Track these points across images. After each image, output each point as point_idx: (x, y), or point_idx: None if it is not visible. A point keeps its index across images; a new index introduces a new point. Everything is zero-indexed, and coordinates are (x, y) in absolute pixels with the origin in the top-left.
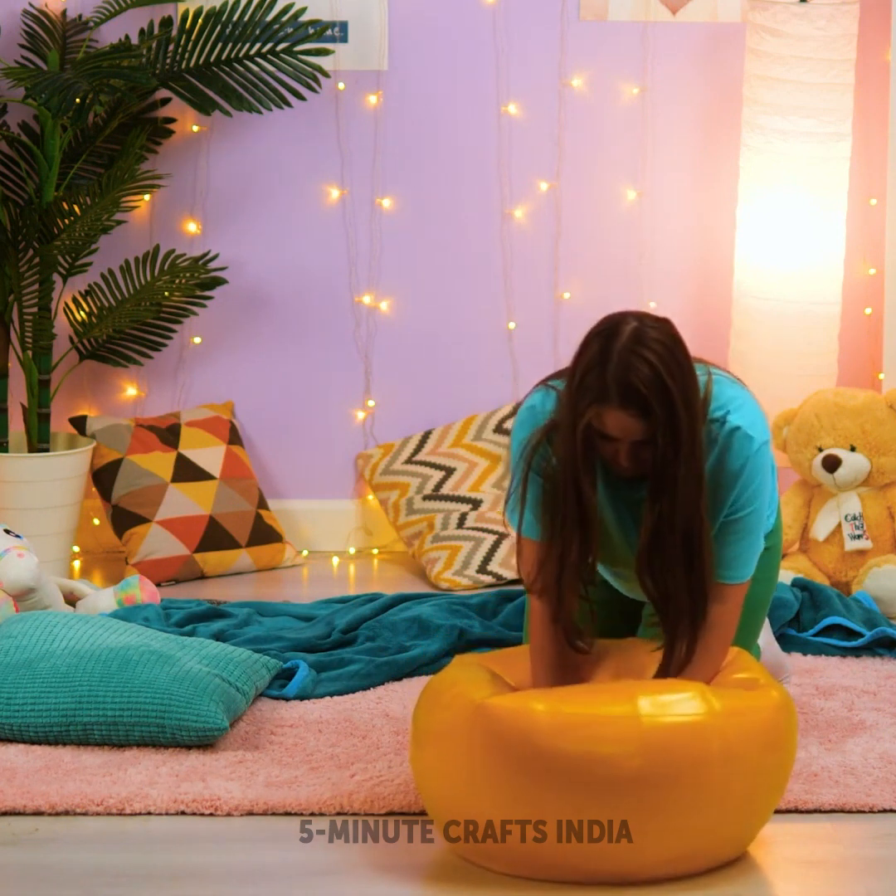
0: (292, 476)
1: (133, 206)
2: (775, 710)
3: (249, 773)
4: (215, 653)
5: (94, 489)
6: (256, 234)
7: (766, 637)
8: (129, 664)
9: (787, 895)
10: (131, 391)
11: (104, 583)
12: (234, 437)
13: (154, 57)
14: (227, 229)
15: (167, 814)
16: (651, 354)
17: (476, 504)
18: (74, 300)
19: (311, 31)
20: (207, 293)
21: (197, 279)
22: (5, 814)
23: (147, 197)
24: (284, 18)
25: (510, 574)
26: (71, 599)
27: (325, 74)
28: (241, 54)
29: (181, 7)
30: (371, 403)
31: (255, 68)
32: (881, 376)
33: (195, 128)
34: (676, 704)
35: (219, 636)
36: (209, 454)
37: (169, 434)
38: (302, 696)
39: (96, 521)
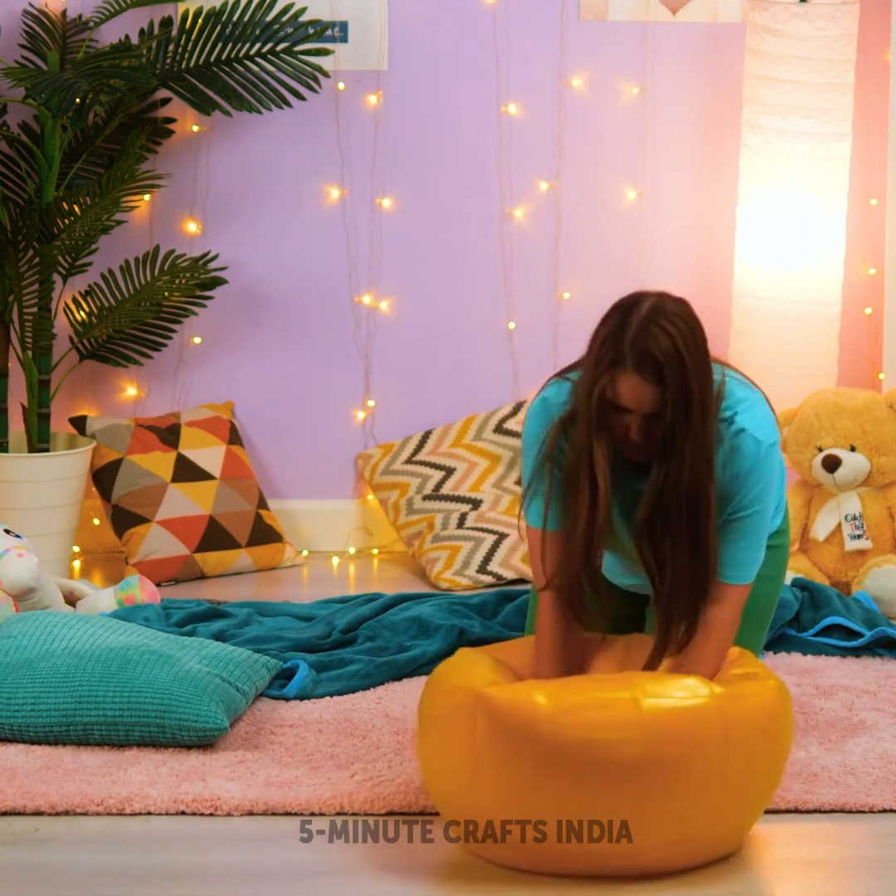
0: (292, 476)
1: (133, 206)
2: (773, 698)
3: (249, 773)
4: (215, 653)
5: (94, 489)
6: (256, 234)
7: None
8: (129, 664)
9: (787, 895)
10: (131, 391)
11: (104, 583)
12: (234, 437)
13: (154, 57)
14: (227, 229)
15: (167, 814)
16: (669, 326)
17: (476, 504)
18: (74, 300)
19: (311, 31)
20: (207, 293)
21: (197, 279)
22: (5, 814)
23: (147, 197)
24: (284, 18)
25: (510, 574)
26: (71, 599)
27: (325, 74)
28: (241, 54)
29: (181, 7)
30: (371, 403)
31: (255, 68)
32: (881, 376)
33: (195, 128)
34: (677, 689)
35: (219, 636)
36: (209, 454)
37: (169, 434)
38: (302, 696)
39: (96, 521)
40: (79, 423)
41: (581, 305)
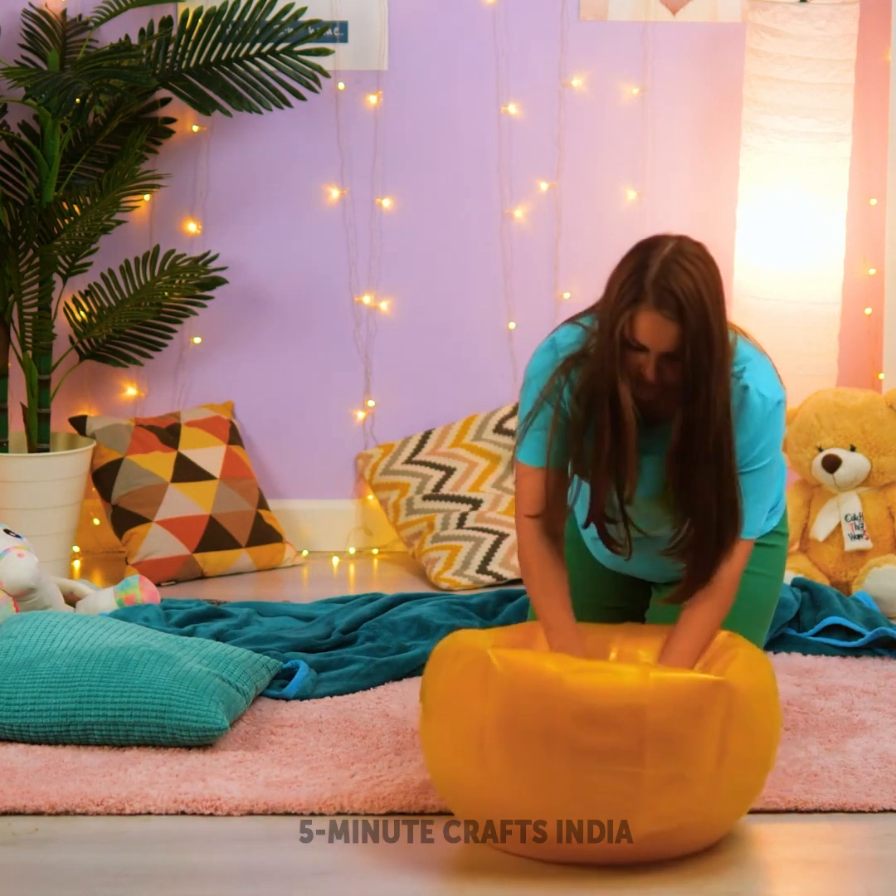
0: (292, 476)
1: (133, 206)
2: (769, 675)
3: (249, 773)
4: (215, 653)
5: (94, 489)
6: (256, 234)
7: None
8: (129, 664)
9: (786, 895)
10: (131, 391)
11: (104, 583)
12: (234, 437)
13: (154, 57)
14: (227, 229)
15: (167, 814)
16: (690, 266)
17: (476, 504)
18: (74, 300)
19: (311, 31)
20: (207, 293)
21: (197, 279)
22: (5, 814)
23: (147, 197)
24: (284, 18)
25: (510, 574)
26: (71, 599)
27: (325, 74)
28: (241, 54)
29: (181, 7)
30: (371, 403)
31: (255, 68)
32: (881, 376)
33: (195, 128)
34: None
35: (219, 636)
36: (209, 454)
37: (169, 434)
38: (302, 696)
39: (96, 521)
40: (79, 423)
41: (581, 305)
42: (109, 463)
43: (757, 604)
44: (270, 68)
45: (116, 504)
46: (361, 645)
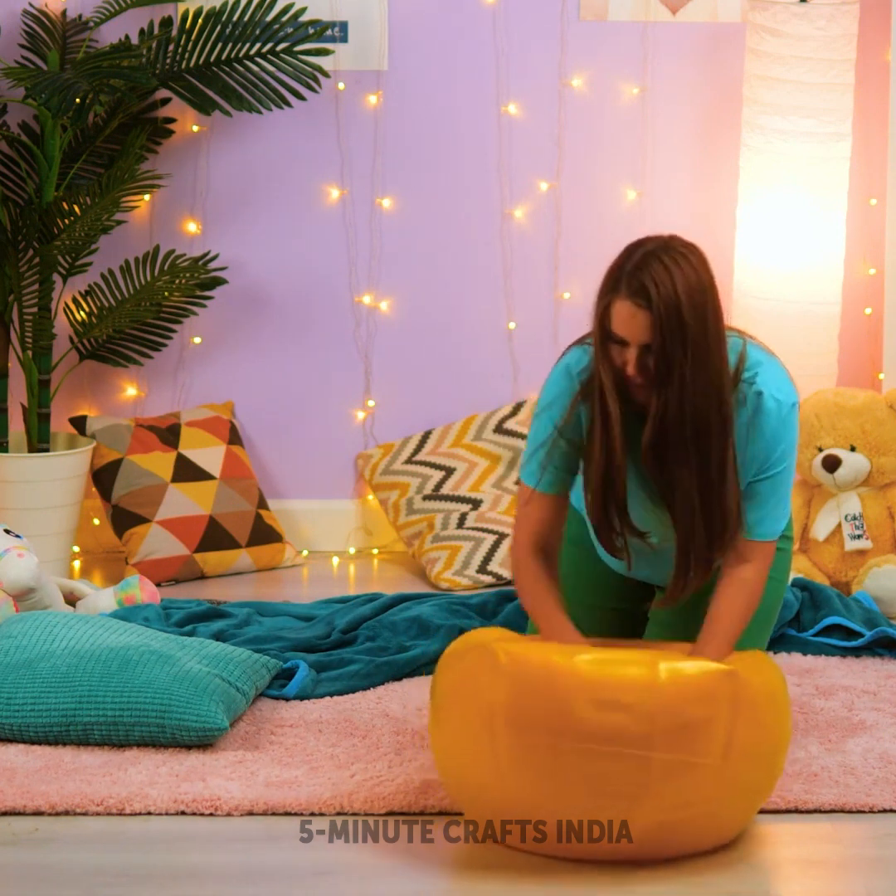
0: (292, 476)
1: (133, 206)
2: (779, 681)
3: (249, 773)
4: (215, 653)
5: (94, 489)
6: (256, 234)
7: None
8: (129, 664)
9: (786, 895)
10: (131, 391)
11: (104, 583)
12: (234, 437)
13: (154, 57)
14: (227, 229)
15: (167, 814)
16: (669, 260)
17: (476, 504)
18: (74, 300)
19: (311, 31)
20: (207, 293)
21: (197, 279)
22: (5, 814)
23: (147, 197)
24: (284, 18)
25: (510, 574)
26: (71, 599)
27: (325, 74)
28: (241, 54)
29: (181, 7)
30: (371, 403)
31: (255, 68)
32: (881, 376)
33: (195, 128)
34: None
35: (219, 636)
36: (209, 454)
37: (169, 434)
38: (302, 696)
39: (96, 521)
40: (79, 423)
41: (581, 305)
42: (109, 463)
43: (761, 606)
44: (270, 68)
45: (116, 504)
46: (361, 645)
